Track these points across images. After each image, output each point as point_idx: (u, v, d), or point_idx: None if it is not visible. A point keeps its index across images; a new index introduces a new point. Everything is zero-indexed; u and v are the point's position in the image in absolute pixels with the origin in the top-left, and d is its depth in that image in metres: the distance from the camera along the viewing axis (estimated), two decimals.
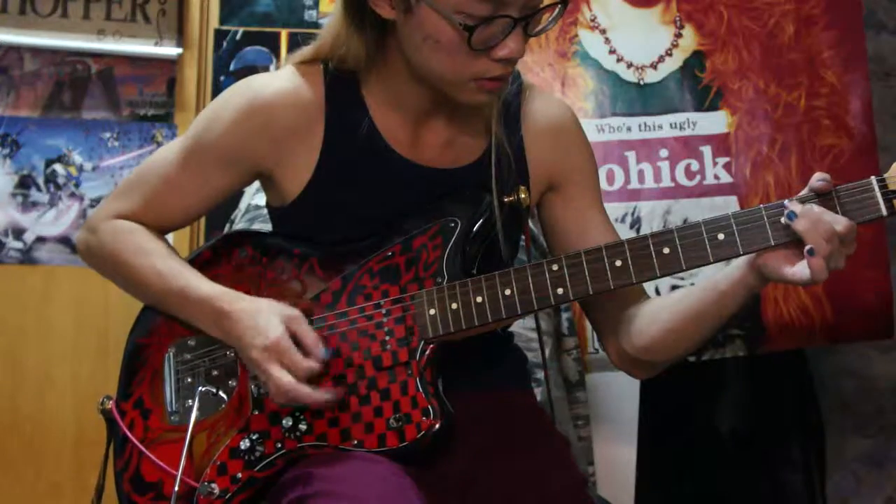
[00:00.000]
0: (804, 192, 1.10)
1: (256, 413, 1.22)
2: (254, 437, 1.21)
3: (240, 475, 1.19)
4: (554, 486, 1.22)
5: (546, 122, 1.33)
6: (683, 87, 2.09)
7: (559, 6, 1.16)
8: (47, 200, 2.20)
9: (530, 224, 1.76)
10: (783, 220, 1.08)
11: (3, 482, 2.14)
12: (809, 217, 1.06)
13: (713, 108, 2.08)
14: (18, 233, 2.18)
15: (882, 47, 2.45)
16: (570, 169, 1.34)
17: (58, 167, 2.20)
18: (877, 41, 2.44)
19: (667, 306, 1.25)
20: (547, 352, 1.79)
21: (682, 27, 2.11)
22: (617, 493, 1.93)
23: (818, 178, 1.08)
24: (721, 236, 1.11)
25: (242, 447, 1.21)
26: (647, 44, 2.11)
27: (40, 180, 2.20)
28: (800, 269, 1.08)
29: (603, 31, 2.12)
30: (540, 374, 1.70)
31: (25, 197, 2.19)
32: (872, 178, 1.07)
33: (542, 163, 1.32)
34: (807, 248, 1.06)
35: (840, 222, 1.06)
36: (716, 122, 2.08)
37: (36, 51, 2.20)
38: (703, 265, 1.13)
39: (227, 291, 1.24)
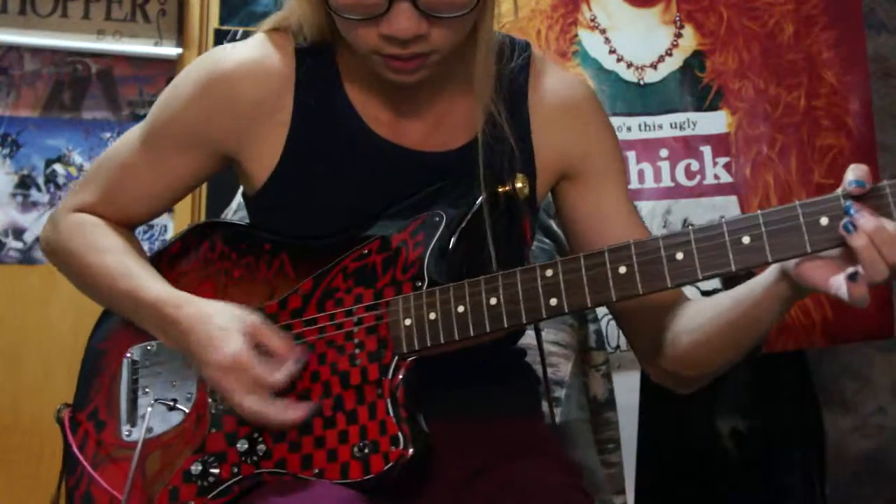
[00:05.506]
0: (840, 191, 0.89)
1: (214, 431, 1.08)
2: (209, 460, 1.06)
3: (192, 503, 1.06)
4: (549, 484, 1.11)
5: (558, 101, 1.15)
6: (683, 87, 2.09)
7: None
8: (47, 200, 2.19)
9: (550, 219, 1.68)
10: (840, 230, 0.87)
11: (3, 482, 2.14)
12: (876, 235, 0.86)
13: (713, 108, 2.07)
14: (18, 233, 2.18)
15: (882, 47, 2.45)
16: (588, 154, 1.15)
17: (58, 167, 2.20)
18: (877, 41, 2.44)
19: (698, 316, 1.07)
20: (569, 367, 1.62)
21: (682, 27, 2.10)
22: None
23: (853, 180, 0.87)
24: (746, 240, 0.91)
25: (194, 471, 1.06)
26: (647, 44, 2.11)
27: (40, 180, 2.20)
28: (840, 284, 0.89)
29: (603, 31, 2.11)
30: (560, 393, 1.56)
31: (25, 197, 2.19)
32: None
33: (552, 147, 1.14)
34: (849, 271, 0.88)
35: None
36: (716, 122, 2.07)
37: (36, 51, 2.20)
38: (723, 274, 0.94)
39: (175, 294, 1.09)
